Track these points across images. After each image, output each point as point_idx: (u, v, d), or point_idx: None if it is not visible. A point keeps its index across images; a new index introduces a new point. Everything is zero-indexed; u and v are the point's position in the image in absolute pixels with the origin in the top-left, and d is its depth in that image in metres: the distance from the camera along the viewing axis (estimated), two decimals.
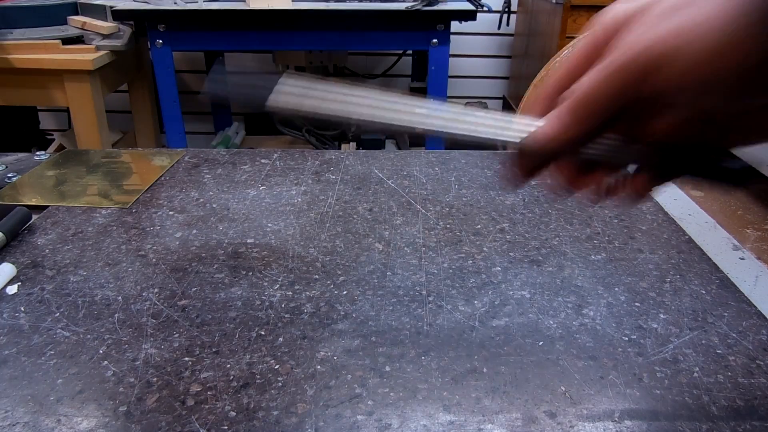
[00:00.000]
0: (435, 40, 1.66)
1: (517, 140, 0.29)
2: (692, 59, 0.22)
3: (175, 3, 1.61)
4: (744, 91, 0.23)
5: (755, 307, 0.47)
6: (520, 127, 0.29)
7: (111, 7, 1.59)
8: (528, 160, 0.30)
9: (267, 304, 0.47)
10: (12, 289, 0.48)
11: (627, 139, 0.29)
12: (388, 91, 0.30)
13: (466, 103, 2.16)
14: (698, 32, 0.22)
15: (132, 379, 0.39)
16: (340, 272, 0.51)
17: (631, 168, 0.31)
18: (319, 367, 0.40)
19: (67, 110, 1.83)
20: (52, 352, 0.41)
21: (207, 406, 0.36)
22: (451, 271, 0.51)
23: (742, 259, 0.55)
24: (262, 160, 0.76)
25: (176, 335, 0.43)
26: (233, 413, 0.36)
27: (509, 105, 2.33)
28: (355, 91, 0.31)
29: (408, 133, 0.36)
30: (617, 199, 0.31)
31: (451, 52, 1.73)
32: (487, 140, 0.30)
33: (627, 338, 0.43)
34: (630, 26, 0.25)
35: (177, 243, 0.56)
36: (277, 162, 0.76)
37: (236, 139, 2.19)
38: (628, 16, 0.26)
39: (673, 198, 0.66)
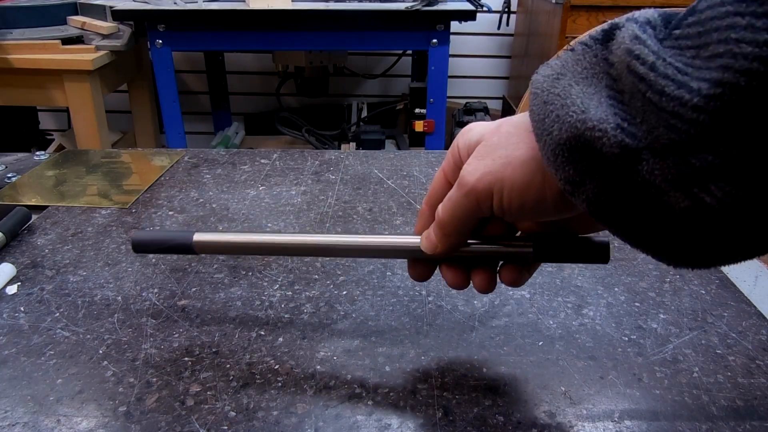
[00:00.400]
0: (435, 41, 1.66)
1: (410, 252, 0.37)
2: (508, 190, 0.30)
3: (175, 3, 1.61)
4: (548, 212, 0.30)
5: (755, 307, 0.47)
6: (410, 242, 0.37)
7: (111, 7, 1.59)
8: (420, 266, 0.38)
9: (267, 304, 0.47)
10: (12, 289, 0.48)
11: (493, 240, 0.35)
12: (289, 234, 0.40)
13: (466, 104, 2.16)
14: (509, 171, 0.29)
15: (132, 379, 0.39)
16: (339, 272, 0.51)
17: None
18: (318, 367, 0.40)
19: (67, 110, 1.83)
20: (52, 352, 0.41)
21: (207, 406, 0.36)
22: None
23: None
24: (262, 161, 0.76)
25: (176, 335, 0.43)
26: (233, 413, 0.36)
27: (509, 105, 2.33)
28: (266, 235, 0.41)
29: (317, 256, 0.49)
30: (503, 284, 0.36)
31: (450, 53, 1.73)
32: (389, 252, 0.39)
33: (627, 338, 0.43)
34: (469, 157, 0.32)
35: None
36: (277, 162, 0.76)
37: (236, 139, 2.19)
38: (472, 145, 0.32)
39: None
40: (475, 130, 0.33)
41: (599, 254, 0.35)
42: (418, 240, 0.36)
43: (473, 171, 0.31)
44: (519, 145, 0.29)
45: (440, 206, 0.34)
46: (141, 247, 0.43)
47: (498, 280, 0.36)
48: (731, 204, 0.22)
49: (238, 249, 0.41)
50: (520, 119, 0.31)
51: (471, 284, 0.37)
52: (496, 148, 0.30)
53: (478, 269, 0.36)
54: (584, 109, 0.24)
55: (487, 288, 0.36)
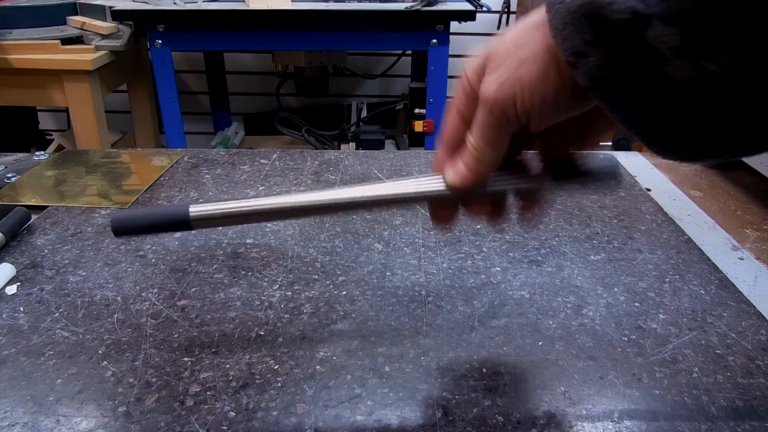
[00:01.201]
0: (434, 41, 1.66)
1: (438, 192, 0.35)
2: (528, 88, 0.30)
3: (175, 3, 1.61)
4: (569, 103, 0.30)
5: (754, 307, 0.47)
6: (432, 182, 0.35)
7: (110, 7, 1.59)
8: (444, 209, 0.37)
9: (266, 304, 0.47)
10: (11, 290, 0.48)
11: (511, 173, 0.35)
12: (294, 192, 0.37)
13: None
14: (525, 70, 0.30)
15: (131, 380, 0.39)
16: (339, 272, 0.51)
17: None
18: (318, 367, 0.40)
19: (67, 110, 1.83)
20: (52, 353, 0.41)
21: (206, 407, 0.36)
22: (450, 271, 0.51)
23: (741, 259, 0.55)
24: (262, 161, 0.76)
25: (175, 335, 0.43)
26: (232, 413, 0.36)
27: None
28: (270, 198, 0.37)
29: (334, 212, 0.44)
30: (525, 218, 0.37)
31: (450, 53, 1.73)
32: (410, 199, 0.36)
33: (626, 338, 0.43)
34: (483, 77, 0.32)
35: (176, 243, 0.56)
36: (277, 162, 0.76)
37: (235, 139, 2.19)
38: (482, 65, 0.32)
39: (673, 198, 0.66)
40: (479, 54, 0.33)
41: (610, 173, 0.35)
42: (439, 180, 0.35)
43: (490, 84, 0.31)
44: (527, 44, 0.30)
45: (471, 133, 0.33)
46: (124, 229, 0.37)
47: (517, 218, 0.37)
48: (739, 74, 0.22)
49: (241, 217, 0.37)
50: (521, 23, 0.31)
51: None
52: (505, 55, 0.31)
53: (498, 203, 0.36)
54: None
55: (503, 217, 0.36)
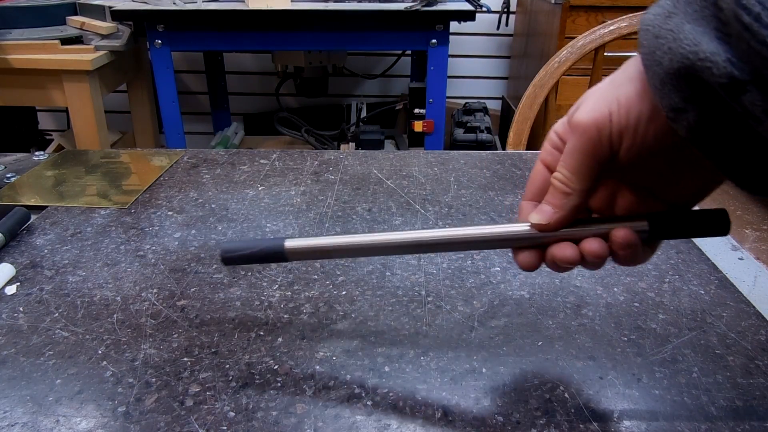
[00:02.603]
0: (434, 41, 1.66)
1: (523, 233, 0.35)
2: (625, 108, 0.31)
3: (174, 3, 1.61)
4: (657, 130, 0.31)
5: (754, 307, 0.47)
6: (516, 229, 0.36)
7: (110, 7, 1.59)
8: (527, 253, 0.36)
9: (266, 304, 0.47)
10: (11, 290, 0.48)
11: (603, 219, 0.35)
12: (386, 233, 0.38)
13: (465, 104, 2.16)
14: (623, 92, 0.32)
15: (131, 380, 0.39)
16: (339, 272, 0.51)
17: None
18: (318, 367, 0.40)
19: (66, 110, 1.83)
20: (51, 353, 0.41)
21: (206, 407, 0.36)
22: (450, 271, 0.51)
23: (741, 259, 0.55)
24: (261, 161, 0.76)
25: (175, 335, 0.43)
26: (232, 413, 0.36)
27: (508, 105, 2.33)
28: (360, 236, 0.38)
29: (422, 253, 0.44)
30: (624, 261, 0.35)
31: (450, 53, 1.73)
32: (497, 240, 0.36)
33: (626, 338, 0.43)
34: (575, 114, 0.33)
35: (176, 243, 0.56)
36: (276, 162, 0.76)
37: (235, 139, 2.19)
38: (571, 113, 0.34)
39: None
40: (568, 112, 0.35)
41: (718, 223, 0.34)
42: (524, 226, 0.35)
43: (584, 110, 0.32)
44: (623, 86, 0.32)
45: (558, 168, 0.34)
46: (230, 260, 0.41)
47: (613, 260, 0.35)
48: None
49: (332, 252, 0.39)
50: (614, 75, 0.33)
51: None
52: (600, 88, 0.33)
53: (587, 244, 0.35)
54: (696, 42, 0.27)
55: (601, 258, 0.34)
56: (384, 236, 0.38)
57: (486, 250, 0.55)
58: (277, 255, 0.39)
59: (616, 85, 0.32)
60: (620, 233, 0.34)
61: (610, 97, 0.32)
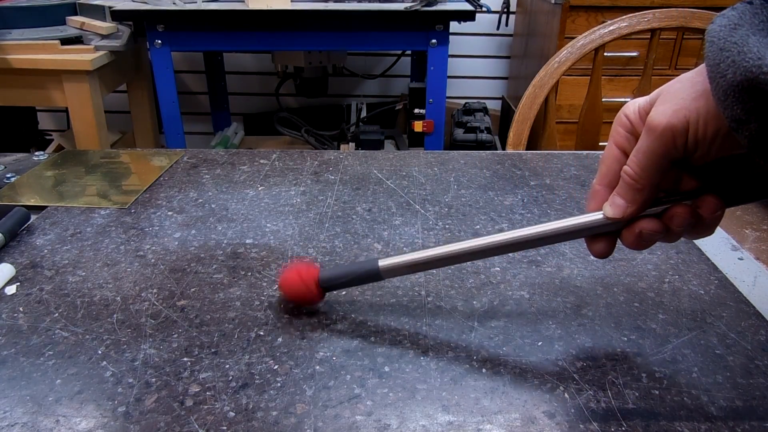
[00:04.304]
0: (434, 41, 1.66)
1: (598, 223, 0.37)
2: (704, 118, 0.32)
3: (174, 3, 1.61)
4: (736, 142, 0.31)
5: (754, 307, 0.47)
6: (591, 218, 0.38)
7: (110, 7, 1.59)
8: (601, 241, 0.38)
9: (266, 304, 0.47)
10: (11, 290, 0.48)
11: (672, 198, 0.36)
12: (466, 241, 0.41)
13: (465, 104, 2.16)
14: (703, 102, 0.32)
15: (131, 380, 0.39)
16: None
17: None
18: (318, 367, 0.40)
19: (66, 110, 1.83)
20: (51, 353, 0.41)
21: (206, 407, 0.36)
22: (450, 271, 0.51)
23: (740, 259, 0.55)
24: (261, 161, 0.76)
25: (175, 336, 0.43)
26: (232, 414, 0.36)
27: (508, 105, 2.33)
28: (447, 247, 0.42)
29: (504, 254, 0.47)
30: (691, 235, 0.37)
31: (450, 53, 1.73)
32: (572, 232, 0.38)
33: (626, 338, 0.43)
34: (652, 110, 0.33)
35: (176, 243, 0.56)
36: (276, 162, 0.76)
37: (235, 139, 2.19)
38: (647, 103, 0.35)
39: None
40: (642, 98, 0.35)
41: None
42: (599, 215, 0.37)
43: (664, 111, 0.33)
44: (703, 98, 0.32)
45: (629, 163, 0.35)
46: (329, 288, 0.45)
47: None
48: None
49: (423, 265, 0.43)
50: (694, 77, 0.33)
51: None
52: (680, 90, 0.33)
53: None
54: (761, 56, 0.27)
55: (687, 225, 0.36)
56: (471, 243, 0.41)
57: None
58: (372, 276, 0.43)
59: (697, 94, 0.32)
60: (708, 199, 0.35)
61: (691, 106, 0.32)
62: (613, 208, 0.36)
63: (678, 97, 0.32)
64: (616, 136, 0.37)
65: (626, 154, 0.36)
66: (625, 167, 0.35)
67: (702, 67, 0.32)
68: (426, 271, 0.50)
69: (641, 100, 0.36)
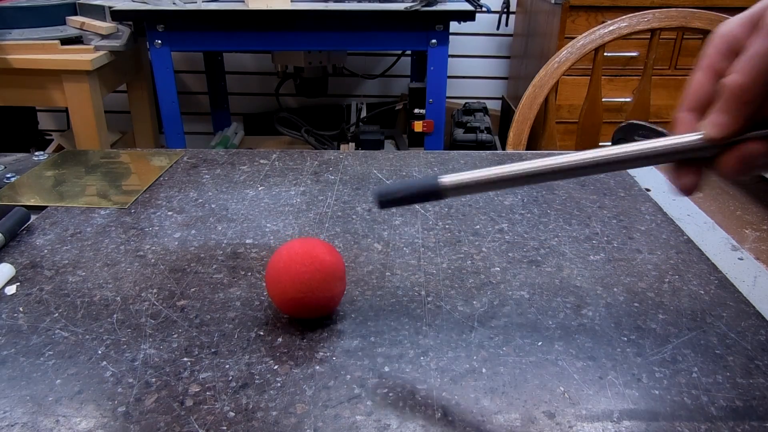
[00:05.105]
0: (434, 41, 1.66)
1: (692, 145, 0.32)
2: None
3: (174, 3, 1.61)
4: None
5: (754, 307, 0.47)
6: (681, 141, 0.33)
7: (110, 7, 1.59)
8: (689, 171, 0.34)
9: (266, 304, 0.47)
10: (10, 290, 0.48)
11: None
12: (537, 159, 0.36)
13: (465, 104, 2.16)
14: None
15: (131, 380, 0.39)
16: None
17: None
18: (318, 367, 0.40)
19: (66, 110, 1.83)
20: (51, 353, 0.41)
21: (206, 407, 0.36)
22: (450, 271, 0.51)
23: (740, 259, 0.55)
24: (261, 161, 0.76)
25: (175, 336, 0.43)
26: (232, 414, 0.36)
27: (508, 105, 2.33)
28: (512, 166, 0.37)
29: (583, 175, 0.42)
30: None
31: (450, 53, 1.73)
32: (661, 155, 0.33)
33: (626, 338, 0.43)
34: (762, 23, 0.30)
35: (176, 243, 0.56)
36: (276, 162, 0.76)
37: (235, 139, 2.19)
38: (753, 15, 0.32)
39: (672, 198, 0.66)
40: (735, 17, 0.33)
41: None
42: (694, 136, 0.32)
43: None
44: None
45: (736, 71, 0.31)
46: (386, 203, 0.39)
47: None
48: None
49: (488, 185, 0.37)
50: None
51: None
52: None
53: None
54: None
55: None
56: (540, 162, 0.36)
57: (485, 251, 0.55)
58: (433, 193, 0.37)
59: None
60: None
61: None
62: (714, 126, 0.32)
63: None
64: (706, 60, 0.33)
65: (719, 76, 0.32)
66: (730, 78, 0.31)
67: None
68: (496, 190, 0.44)
69: (738, 17, 0.32)
